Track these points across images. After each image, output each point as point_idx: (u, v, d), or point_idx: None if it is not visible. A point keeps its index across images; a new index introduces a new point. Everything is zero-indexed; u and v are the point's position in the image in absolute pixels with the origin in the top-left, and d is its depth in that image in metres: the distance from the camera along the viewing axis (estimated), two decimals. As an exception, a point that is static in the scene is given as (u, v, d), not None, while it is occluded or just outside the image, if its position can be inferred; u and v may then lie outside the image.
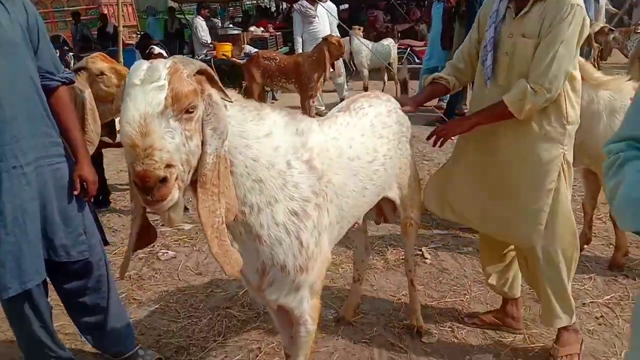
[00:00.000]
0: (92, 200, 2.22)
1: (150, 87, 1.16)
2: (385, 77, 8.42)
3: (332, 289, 3.04)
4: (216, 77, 1.33)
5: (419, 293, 2.93)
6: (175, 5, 12.99)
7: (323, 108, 7.66)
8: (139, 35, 12.38)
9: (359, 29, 7.96)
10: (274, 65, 6.27)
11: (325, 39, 5.94)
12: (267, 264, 1.58)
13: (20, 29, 1.86)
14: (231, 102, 1.38)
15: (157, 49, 4.87)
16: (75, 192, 2.04)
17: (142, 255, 3.54)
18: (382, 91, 8.25)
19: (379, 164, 1.98)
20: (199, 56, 8.60)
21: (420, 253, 3.41)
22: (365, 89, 8.07)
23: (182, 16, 12.60)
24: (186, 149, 1.22)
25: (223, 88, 1.34)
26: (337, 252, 3.35)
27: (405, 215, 2.35)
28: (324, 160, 1.69)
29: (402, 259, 3.34)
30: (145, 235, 1.47)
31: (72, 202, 2.06)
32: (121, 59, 7.26)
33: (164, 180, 1.17)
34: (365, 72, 8.07)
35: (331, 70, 6.09)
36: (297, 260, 1.58)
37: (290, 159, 1.56)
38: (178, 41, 11.84)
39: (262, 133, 1.48)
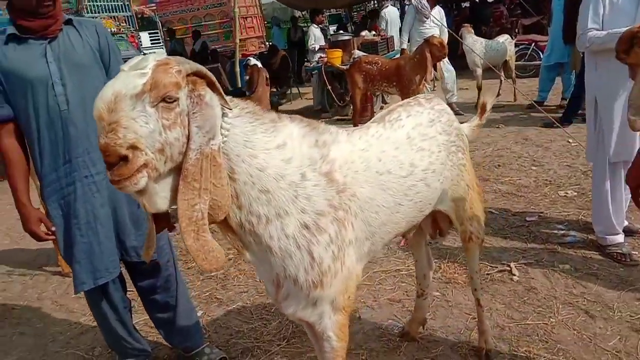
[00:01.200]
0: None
1: (133, 72, 1.24)
2: (502, 76, 7.91)
3: (404, 302, 2.95)
4: (217, 84, 1.35)
5: (498, 313, 2.74)
6: (299, 14, 13.46)
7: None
8: (267, 45, 13.04)
9: (469, 27, 7.56)
10: (375, 70, 6.23)
11: (426, 40, 5.75)
12: (280, 276, 1.57)
13: (92, 51, 2.08)
14: (230, 109, 1.39)
15: (253, 61, 5.14)
16: None
17: (232, 256, 3.73)
18: (499, 92, 7.95)
19: (416, 179, 1.84)
20: (311, 63, 8.86)
21: (508, 269, 3.16)
22: (479, 89, 7.69)
23: (305, 24, 13.02)
24: (162, 138, 1.26)
25: (223, 95, 1.36)
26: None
27: (463, 229, 2.19)
28: (348, 172, 1.63)
29: (487, 274, 3.14)
30: (161, 221, 1.52)
31: (140, 207, 2.25)
32: (237, 69, 7.74)
33: (124, 159, 1.21)
34: (479, 72, 7.65)
35: (434, 72, 5.89)
36: (309, 275, 1.55)
37: (305, 171, 1.53)
38: (297, 50, 12.25)
39: (273, 145, 1.48)
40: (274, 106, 9.68)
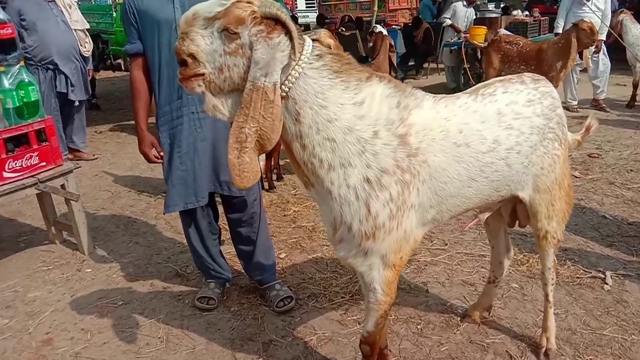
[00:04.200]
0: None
1: (216, 2, 1.46)
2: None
3: (477, 286, 2.90)
4: (293, 32, 1.45)
5: (575, 317, 2.60)
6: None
7: (575, 103, 6.85)
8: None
9: (630, 13, 6.66)
10: (515, 51, 5.87)
11: (575, 24, 5.27)
12: (337, 221, 1.68)
13: None
14: (294, 59, 1.47)
15: (378, 28, 5.15)
16: None
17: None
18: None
19: (497, 157, 1.80)
20: (451, 39, 8.52)
21: (602, 277, 2.93)
22: (635, 86, 6.87)
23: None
24: (222, 59, 1.45)
25: (296, 45, 1.46)
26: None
27: (539, 226, 2.08)
28: (424, 139, 1.65)
29: (577, 277, 2.96)
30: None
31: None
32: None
33: (184, 63, 1.47)
34: (638, 67, 6.77)
35: (579, 61, 5.40)
36: (363, 226, 1.63)
37: (379, 129, 1.59)
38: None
39: (350, 101, 1.56)
40: (407, 80, 9.59)
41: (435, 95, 1.78)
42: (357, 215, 1.63)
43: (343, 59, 1.59)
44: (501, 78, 1.99)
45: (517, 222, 2.24)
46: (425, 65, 10.41)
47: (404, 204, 1.66)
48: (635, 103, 6.95)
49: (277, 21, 1.46)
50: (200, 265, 2.80)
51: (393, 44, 5.03)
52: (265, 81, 1.45)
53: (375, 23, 8.96)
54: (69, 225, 3.51)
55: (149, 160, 2.52)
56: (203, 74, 1.48)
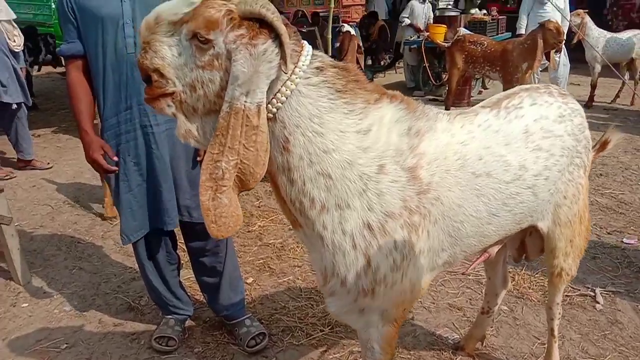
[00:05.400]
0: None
1: (183, 0, 1.16)
2: (626, 76, 7.04)
3: (465, 310, 2.68)
4: (284, 38, 1.12)
5: (572, 343, 2.42)
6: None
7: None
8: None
9: (583, 13, 6.65)
10: (479, 51, 5.75)
11: (542, 24, 5.19)
12: (329, 271, 1.38)
13: None
14: (285, 72, 1.17)
15: (346, 27, 4.90)
16: (199, 159, 2.13)
17: (292, 228, 3.61)
18: (618, 94, 7.10)
19: (523, 186, 1.52)
20: (410, 37, 8.38)
21: (592, 295, 2.78)
22: (593, 87, 6.94)
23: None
24: (193, 74, 1.17)
25: (286, 53, 1.13)
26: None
27: (555, 263, 1.83)
28: (436, 171, 1.36)
29: (567, 295, 2.79)
30: None
31: (197, 168, 2.15)
32: (329, 35, 7.50)
33: (148, 80, 1.22)
34: (598, 68, 6.83)
35: (544, 61, 5.32)
36: (361, 281, 1.35)
37: (385, 163, 1.29)
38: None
39: (353, 128, 1.26)
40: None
41: (449, 112, 1.50)
42: (353, 268, 1.34)
43: (349, 74, 1.28)
44: (525, 86, 1.70)
45: (525, 255, 2.01)
46: (383, 62, 10.23)
47: (410, 252, 1.37)
48: (593, 103, 7.03)
49: (261, 22, 1.14)
50: (157, 299, 2.44)
51: (361, 44, 4.76)
52: (246, 101, 1.14)
53: (332, 20, 8.71)
54: (0, 252, 3.04)
55: (102, 170, 2.07)
56: (172, 93, 1.19)
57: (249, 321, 2.45)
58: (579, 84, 8.23)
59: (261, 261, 3.21)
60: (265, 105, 1.17)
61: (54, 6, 8.08)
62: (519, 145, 1.50)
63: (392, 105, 1.32)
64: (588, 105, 6.92)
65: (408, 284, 1.40)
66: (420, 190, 1.33)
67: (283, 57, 1.14)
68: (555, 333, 2.08)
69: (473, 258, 1.93)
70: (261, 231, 3.63)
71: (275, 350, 2.41)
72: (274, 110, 1.20)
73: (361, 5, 14.21)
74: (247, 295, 2.72)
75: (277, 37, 1.14)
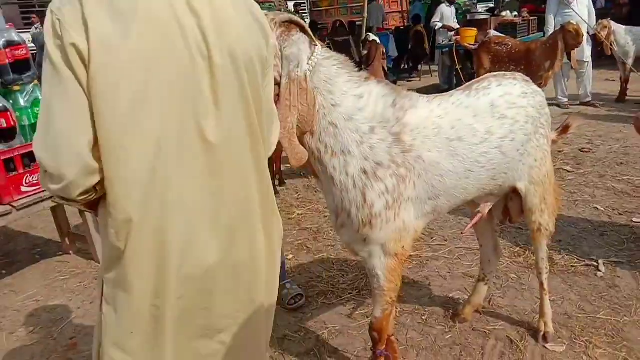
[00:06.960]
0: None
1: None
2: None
3: (476, 277, 3.04)
4: (306, 27, 1.68)
5: (570, 302, 2.75)
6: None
7: (565, 100, 7.04)
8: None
9: (607, 22, 6.80)
10: (504, 51, 6.07)
11: (562, 26, 5.46)
12: (339, 207, 1.83)
13: None
14: (315, 45, 1.69)
15: (371, 37, 5.34)
16: None
17: (326, 215, 4.07)
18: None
19: (491, 147, 1.94)
20: (443, 41, 8.73)
21: (595, 264, 3.09)
22: (626, 81, 7.05)
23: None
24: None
25: (312, 36, 1.68)
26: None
27: (533, 219, 2.24)
28: (417, 136, 1.80)
29: (572, 266, 3.11)
30: None
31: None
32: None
33: None
34: (629, 62, 6.97)
35: (566, 61, 5.58)
36: (360, 213, 1.78)
37: (375, 126, 1.75)
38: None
39: (351, 92, 1.73)
40: (400, 82, 9.76)
41: (430, 95, 1.95)
42: (354, 203, 1.78)
43: (346, 60, 1.79)
44: (495, 74, 2.13)
45: (509, 218, 2.39)
46: (419, 67, 10.61)
47: (400, 196, 1.80)
48: (626, 98, 7.15)
49: (291, 23, 1.67)
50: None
51: (385, 51, 5.21)
52: (298, 72, 1.64)
53: (367, 29, 9.19)
54: (83, 236, 3.65)
55: None
56: None
57: (289, 284, 2.92)
58: (614, 80, 8.30)
59: (300, 242, 3.69)
60: (308, 73, 1.67)
61: None
62: (484, 116, 1.94)
63: (379, 85, 1.79)
64: (619, 99, 7.05)
65: (402, 223, 1.84)
66: (405, 149, 1.78)
67: (310, 37, 1.68)
68: (545, 286, 2.45)
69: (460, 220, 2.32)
70: (300, 218, 4.11)
71: (311, 308, 2.87)
72: (308, 74, 1.69)
73: (398, 12, 14.63)
74: (287, 267, 3.18)
75: (303, 30, 1.67)
